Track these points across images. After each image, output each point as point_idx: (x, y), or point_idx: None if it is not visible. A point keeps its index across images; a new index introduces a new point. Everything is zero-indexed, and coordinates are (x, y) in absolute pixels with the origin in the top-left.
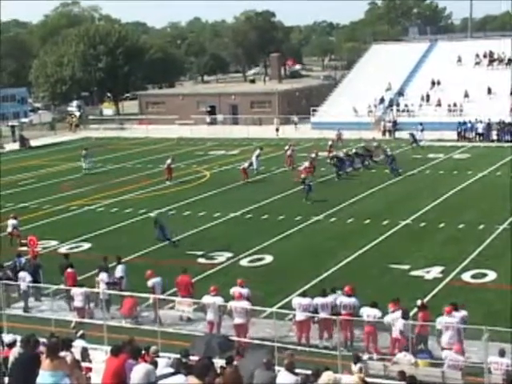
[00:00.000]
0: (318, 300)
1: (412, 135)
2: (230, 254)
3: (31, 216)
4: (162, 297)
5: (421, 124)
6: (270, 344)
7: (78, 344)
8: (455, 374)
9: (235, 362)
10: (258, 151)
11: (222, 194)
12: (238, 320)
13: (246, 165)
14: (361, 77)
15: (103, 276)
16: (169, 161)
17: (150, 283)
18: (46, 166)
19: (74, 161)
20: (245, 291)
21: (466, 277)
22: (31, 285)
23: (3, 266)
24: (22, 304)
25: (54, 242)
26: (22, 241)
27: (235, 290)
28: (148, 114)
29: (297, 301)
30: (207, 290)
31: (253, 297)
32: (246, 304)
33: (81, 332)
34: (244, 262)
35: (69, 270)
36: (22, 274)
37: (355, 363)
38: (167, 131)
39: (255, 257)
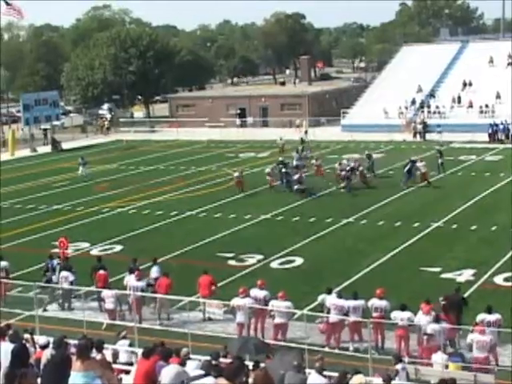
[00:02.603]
0: (350, 302)
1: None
2: (260, 256)
3: (65, 218)
4: (191, 299)
5: (438, 126)
6: (301, 346)
7: (123, 344)
8: (487, 377)
9: (263, 364)
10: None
11: (253, 196)
12: (278, 320)
13: (268, 170)
14: (391, 79)
15: (130, 278)
16: (236, 174)
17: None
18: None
19: (105, 163)
20: (263, 293)
21: (499, 280)
22: (73, 287)
23: (47, 270)
24: (54, 306)
25: (86, 244)
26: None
27: (257, 293)
28: (178, 117)
29: (332, 301)
30: (237, 292)
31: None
32: (288, 304)
33: (124, 333)
34: (275, 264)
35: (101, 271)
36: (64, 274)
37: (395, 364)
38: (197, 134)
39: (286, 259)
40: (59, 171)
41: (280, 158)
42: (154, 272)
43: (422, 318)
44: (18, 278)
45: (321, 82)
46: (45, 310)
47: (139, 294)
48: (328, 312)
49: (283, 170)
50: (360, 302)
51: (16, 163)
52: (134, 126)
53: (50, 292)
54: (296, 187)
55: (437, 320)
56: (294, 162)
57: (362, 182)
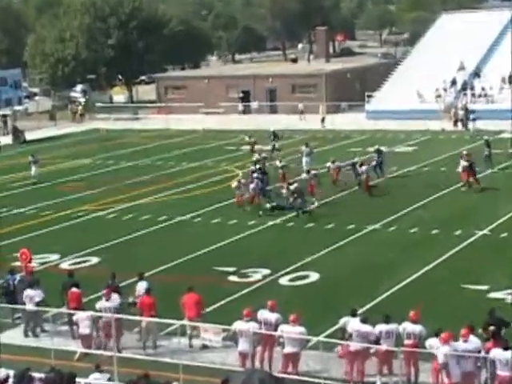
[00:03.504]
0: (382, 327)
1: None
2: (267, 271)
3: (28, 224)
4: (184, 322)
5: (473, 112)
6: (316, 380)
7: (99, 378)
8: None
9: None
10: (304, 148)
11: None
12: (289, 348)
13: (278, 163)
14: (427, 54)
15: (111, 299)
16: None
17: None
18: (46, 164)
19: (78, 157)
20: (274, 317)
21: None
22: (39, 308)
23: (8, 288)
24: (17, 331)
25: (54, 256)
26: None
27: (266, 316)
28: (168, 101)
29: (355, 327)
30: (239, 315)
31: None
32: (300, 330)
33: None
34: (284, 281)
35: (73, 289)
36: (29, 292)
37: None
38: (190, 122)
39: (298, 274)
40: (22, 167)
41: (255, 157)
42: (142, 289)
43: (462, 346)
44: None
45: (341, 59)
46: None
47: (109, 315)
48: (350, 339)
49: (255, 174)
50: (393, 327)
51: None
52: (113, 112)
53: (11, 314)
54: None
55: (506, 348)
56: (304, 165)
57: (366, 191)
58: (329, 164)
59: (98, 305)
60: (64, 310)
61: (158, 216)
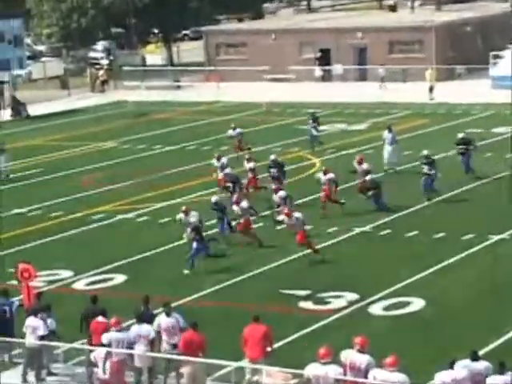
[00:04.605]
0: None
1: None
2: (353, 295)
3: (30, 229)
4: (240, 364)
5: None
6: None
7: None
8: None
9: None
10: (386, 134)
11: (342, 196)
12: None
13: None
14: None
15: (142, 330)
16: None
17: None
18: (55, 149)
19: (99, 140)
20: (364, 359)
21: None
22: (45, 342)
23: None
24: (17, 372)
25: (67, 273)
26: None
27: (353, 358)
28: (220, 64)
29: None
30: (315, 355)
31: None
32: (401, 378)
33: None
34: (376, 309)
35: (99, 318)
36: (32, 322)
37: None
38: (250, 92)
39: (396, 300)
40: (23, 153)
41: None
42: (167, 323)
43: None
44: None
45: (457, 6)
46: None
47: (122, 351)
48: None
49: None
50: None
51: None
52: (146, 78)
53: (6, 350)
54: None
55: None
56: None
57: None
58: (319, 176)
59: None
60: (78, 345)
61: (206, 219)
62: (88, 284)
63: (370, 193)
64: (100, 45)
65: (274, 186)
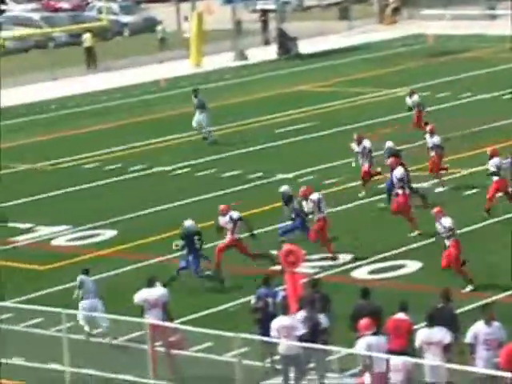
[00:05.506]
0: None
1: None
2: None
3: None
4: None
5: None
6: None
7: None
8: None
9: None
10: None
11: None
12: None
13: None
14: None
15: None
16: None
17: None
18: (329, 98)
19: (389, 86)
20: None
21: None
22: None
23: None
24: None
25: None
26: None
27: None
28: None
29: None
30: None
31: None
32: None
33: None
34: None
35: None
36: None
37: None
38: None
39: None
40: (288, 101)
41: None
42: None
43: None
44: None
45: None
46: None
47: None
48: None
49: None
50: None
51: (204, 82)
52: (450, 5)
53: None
54: None
55: None
56: None
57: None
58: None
59: None
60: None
61: None
62: (371, 272)
63: None
64: None
65: None
